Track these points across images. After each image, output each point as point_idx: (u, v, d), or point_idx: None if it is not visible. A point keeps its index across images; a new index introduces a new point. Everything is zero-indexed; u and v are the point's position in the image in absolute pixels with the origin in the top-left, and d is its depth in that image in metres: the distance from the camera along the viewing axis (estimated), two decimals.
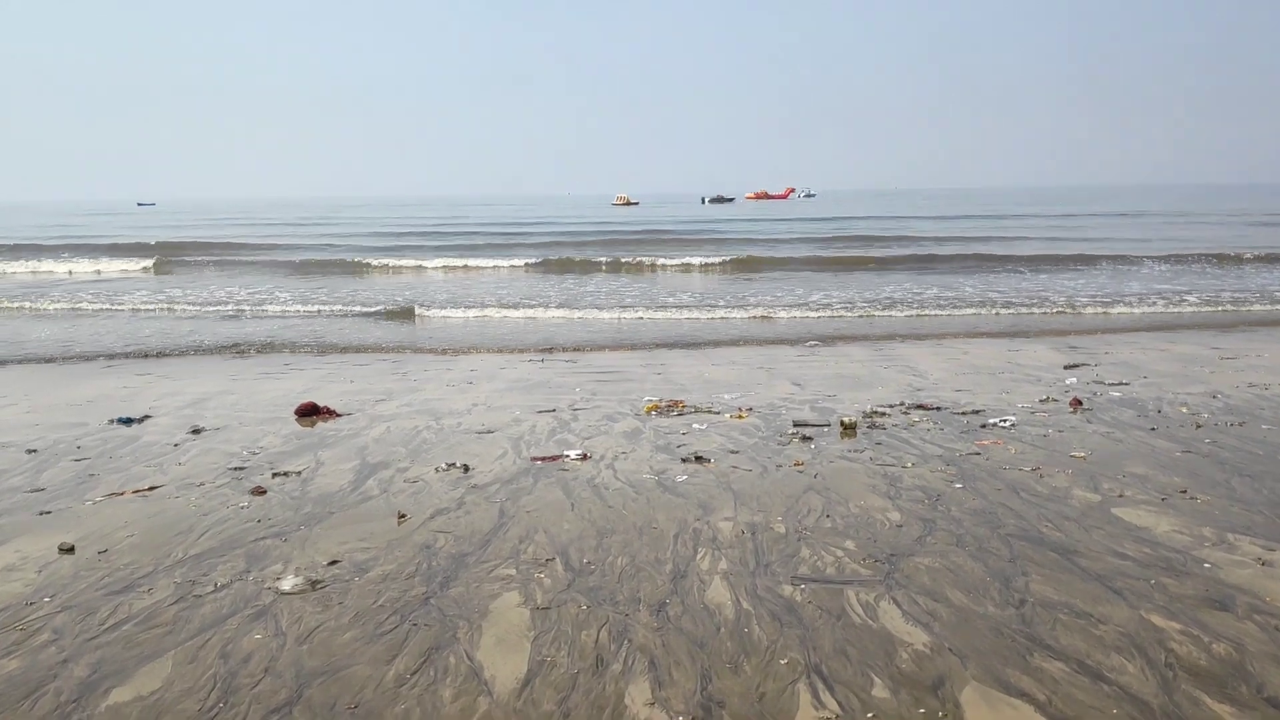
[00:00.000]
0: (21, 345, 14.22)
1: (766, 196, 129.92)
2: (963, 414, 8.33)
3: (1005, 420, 8.02)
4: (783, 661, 3.88)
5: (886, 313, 16.97)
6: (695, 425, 8.12)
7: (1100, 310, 16.90)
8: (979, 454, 7.00)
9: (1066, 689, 3.62)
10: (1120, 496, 5.94)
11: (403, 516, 5.78)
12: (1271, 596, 4.39)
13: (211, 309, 19.00)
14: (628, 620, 4.28)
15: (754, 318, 16.67)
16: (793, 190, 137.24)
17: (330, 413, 8.84)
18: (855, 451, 7.13)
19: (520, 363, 12.00)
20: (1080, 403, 8.69)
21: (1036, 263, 26.16)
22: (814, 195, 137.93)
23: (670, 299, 19.42)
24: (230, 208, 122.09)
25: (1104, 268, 24.94)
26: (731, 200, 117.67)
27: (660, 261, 27.60)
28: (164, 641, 4.14)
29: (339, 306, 18.70)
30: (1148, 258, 26.51)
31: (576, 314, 17.39)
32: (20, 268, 29.49)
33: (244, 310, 18.72)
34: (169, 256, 32.09)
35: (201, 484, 6.55)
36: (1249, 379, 9.76)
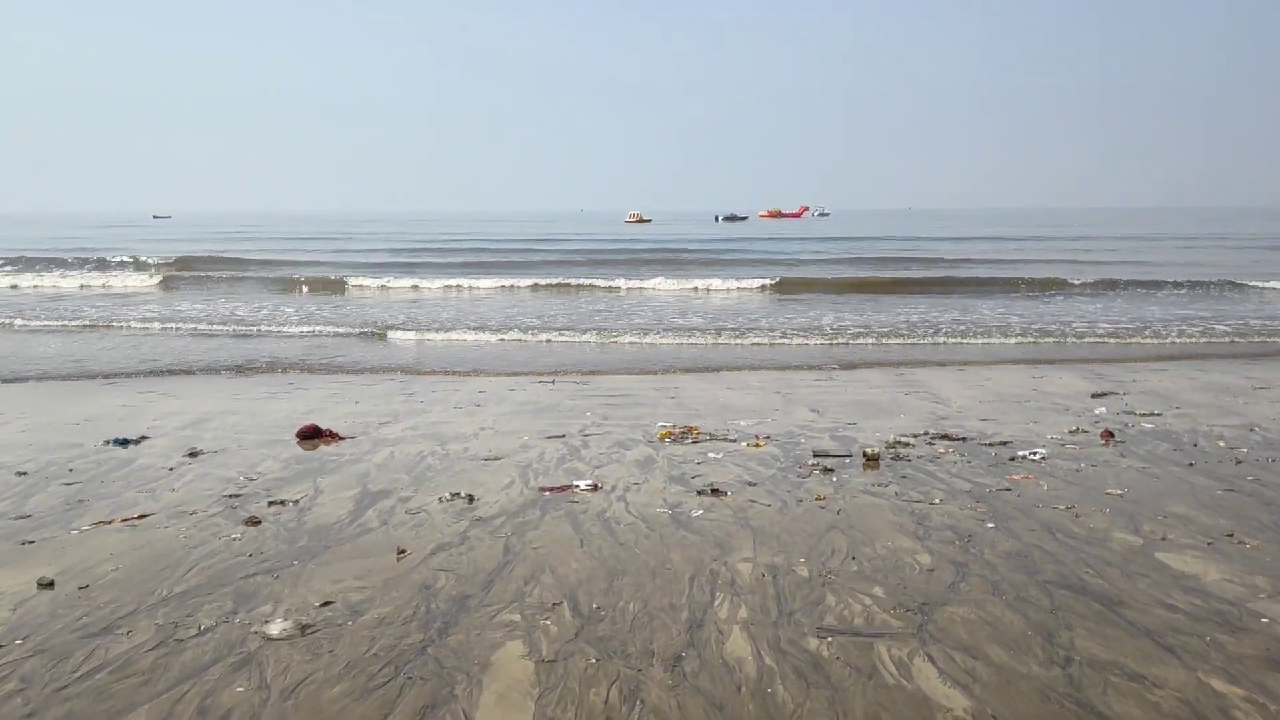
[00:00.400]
0: (24, 361, 14.02)
1: (780, 215, 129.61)
2: (990, 445, 7.98)
3: (1035, 453, 7.67)
4: None
5: (931, 339, 16.18)
6: (710, 454, 7.80)
7: (1127, 340, 16.48)
8: (1010, 490, 6.65)
9: None
10: (1163, 540, 5.58)
11: (402, 552, 5.47)
12: None
13: (218, 325, 18.78)
14: (640, 677, 3.94)
15: (766, 343, 16.32)
16: (806, 209, 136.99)
17: (333, 435, 8.56)
18: (879, 485, 6.79)
19: (529, 384, 11.70)
20: (1112, 435, 8.32)
21: (1065, 288, 25.67)
22: (828, 214, 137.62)
23: (681, 320, 19.12)
24: (246, 221, 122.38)
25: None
26: (745, 219, 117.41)
27: (675, 285, 27.26)
28: (138, 694, 3.83)
29: (346, 326, 18.44)
30: (1168, 282, 26.08)
31: (588, 336, 17.04)
32: (31, 280, 29.49)
33: (251, 328, 18.48)
34: (179, 271, 32.08)
35: (194, 512, 6.26)
36: None
